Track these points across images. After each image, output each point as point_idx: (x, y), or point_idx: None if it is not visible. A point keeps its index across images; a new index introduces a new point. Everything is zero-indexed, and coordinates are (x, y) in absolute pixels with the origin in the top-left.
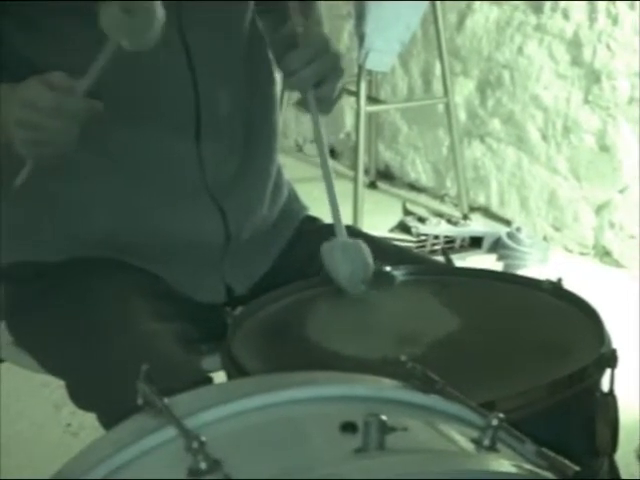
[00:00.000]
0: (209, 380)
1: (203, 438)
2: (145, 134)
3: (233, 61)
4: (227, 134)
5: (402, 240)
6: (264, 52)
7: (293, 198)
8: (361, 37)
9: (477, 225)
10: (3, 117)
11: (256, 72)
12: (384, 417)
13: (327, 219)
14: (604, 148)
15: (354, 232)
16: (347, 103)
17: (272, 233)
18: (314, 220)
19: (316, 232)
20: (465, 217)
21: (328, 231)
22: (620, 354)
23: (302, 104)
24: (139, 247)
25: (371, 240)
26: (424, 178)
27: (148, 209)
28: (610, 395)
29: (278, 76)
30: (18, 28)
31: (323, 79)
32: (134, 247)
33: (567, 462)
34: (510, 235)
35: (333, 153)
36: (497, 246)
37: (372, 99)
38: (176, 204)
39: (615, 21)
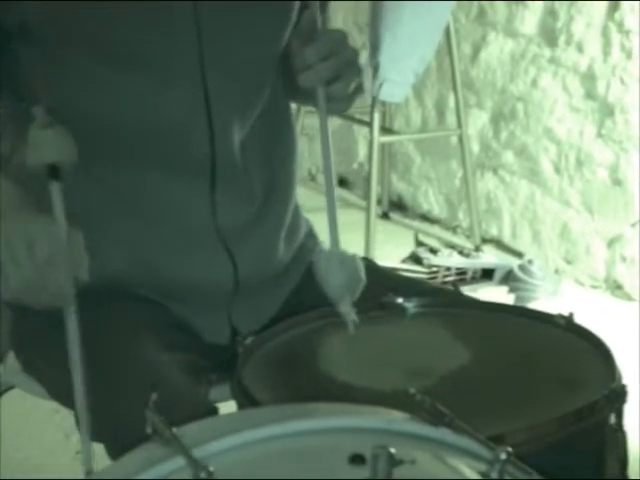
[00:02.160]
0: (215, 411)
1: (211, 468)
2: (159, 180)
3: (254, 111)
4: (243, 184)
5: (414, 271)
6: (285, 101)
7: (308, 236)
8: (375, 68)
9: (489, 257)
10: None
11: (277, 121)
12: (392, 449)
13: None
14: (617, 182)
15: (365, 263)
16: (360, 133)
17: (283, 275)
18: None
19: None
20: (477, 249)
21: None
22: (630, 389)
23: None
24: (146, 284)
25: (382, 271)
26: (436, 209)
27: (159, 253)
28: (619, 430)
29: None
30: (39, 59)
31: (338, 76)
32: (145, 284)
33: None
34: (522, 267)
35: (346, 183)
36: (509, 278)
37: (385, 130)
38: (187, 250)
39: (629, 55)
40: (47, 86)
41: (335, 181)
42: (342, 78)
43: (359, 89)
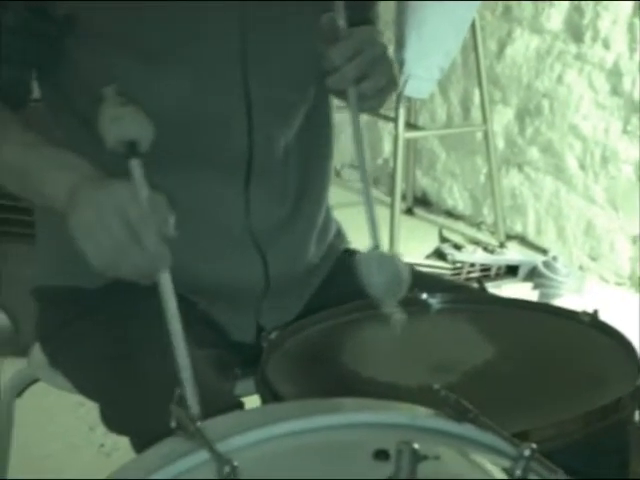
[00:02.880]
0: (240, 406)
1: (235, 463)
2: (194, 177)
3: (295, 110)
4: (278, 183)
5: (438, 267)
6: (327, 100)
7: (337, 236)
8: (401, 63)
9: (513, 253)
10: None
11: (318, 122)
12: (416, 445)
13: (364, 246)
14: None
15: None
16: (385, 129)
17: (310, 274)
18: (353, 253)
19: (352, 266)
20: (501, 245)
21: None
22: None
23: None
24: (179, 281)
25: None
26: (461, 205)
27: (190, 251)
28: None
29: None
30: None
31: (367, 74)
32: (174, 280)
33: None
34: (546, 264)
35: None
36: (533, 275)
37: (410, 125)
38: (218, 248)
39: None
40: (89, 79)
41: (370, 181)
42: (372, 76)
43: (392, 84)
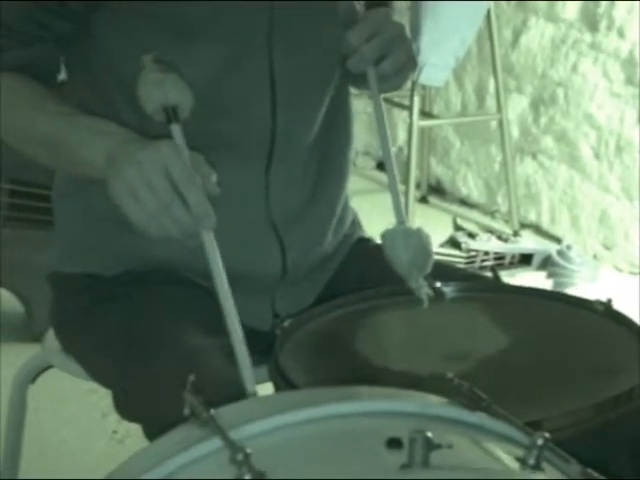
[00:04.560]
0: (253, 395)
1: (248, 450)
2: (214, 160)
3: (318, 98)
4: (298, 170)
5: (452, 255)
6: (347, 88)
7: (353, 224)
8: (416, 51)
9: (527, 242)
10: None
11: (338, 111)
12: (429, 434)
13: (378, 234)
14: None
15: None
16: (400, 117)
17: (326, 261)
18: (367, 241)
19: (368, 254)
20: (515, 234)
21: (380, 252)
22: None
23: (363, 84)
24: (193, 267)
25: None
26: (475, 194)
27: None
28: None
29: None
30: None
31: (385, 53)
32: (190, 266)
33: None
34: (560, 253)
35: (385, 167)
36: (547, 264)
37: (425, 114)
38: (237, 234)
39: None
40: (117, 57)
41: (393, 159)
42: (390, 55)
43: (411, 62)
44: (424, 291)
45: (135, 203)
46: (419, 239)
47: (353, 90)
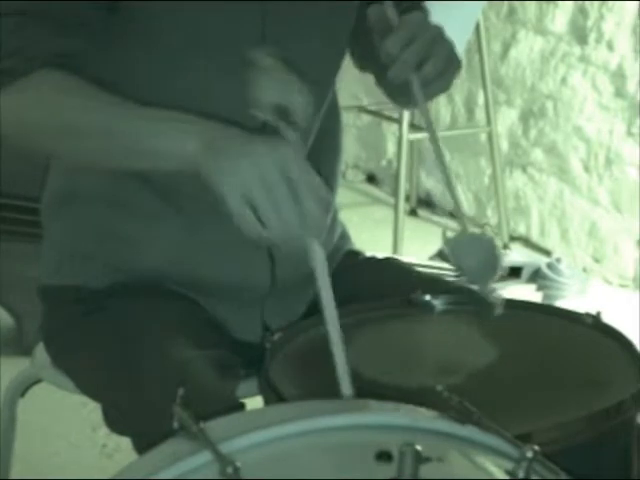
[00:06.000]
0: (242, 407)
1: (238, 463)
2: None
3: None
4: None
5: (441, 268)
6: (337, 102)
7: (342, 237)
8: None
9: (517, 255)
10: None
11: (329, 125)
12: (419, 447)
13: (367, 246)
14: None
15: (392, 261)
16: (389, 130)
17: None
18: (356, 254)
19: (357, 267)
20: (505, 247)
21: (369, 265)
22: None
23: (406, 95)
24: (183, 280)
25: (410, 269)
26: (465, 206)
27: (200, 252)
28: None
29: None
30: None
31: (426, 57)
32: (178, 278)
33: None
34: (550, 266)
35: (374, 180)
36: (536, 276)
37: (414, 126)
38: (227, 248)
39: None
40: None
41: (450, 173)
42: (431, 58)
43: (454, 63)
44: (495, 296)
45: (240, 194)
46: (485, 245)
47: (344, 103)
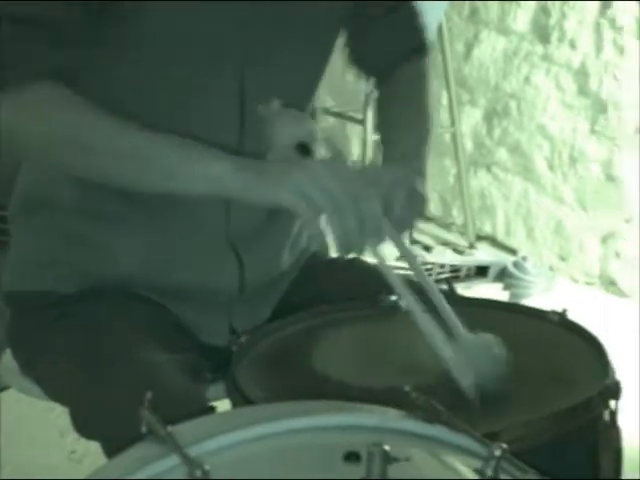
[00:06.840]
0: (211, 410)
1: (206, 466)
2: None
3: None
4: None
5: (408, 269)
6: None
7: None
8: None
9: (483, 254)
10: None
11: None
12: (387, 447)
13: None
14: (610, 178)
15: (358, 262)
16: (353, 132)
17: (280, 277)
18: (319, 257)
19: (323, 268)
20: (471, 246)
21: (335, 266)
22: (624, 385)
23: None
24: (152, 284)
25: (376, 270)
26: (431, 207)
27: (168, 257)
28: (613, 427)
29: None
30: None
31: (388, 203)
32: (145, 282)
33: None
34: (516, 264)
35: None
36: (503, 275)
37: None
38: (197, 253)
39: (621, 51)
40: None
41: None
42: (394, 201)
43: (420, 199)
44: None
45: (304, 197)
46: (482, 349)
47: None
